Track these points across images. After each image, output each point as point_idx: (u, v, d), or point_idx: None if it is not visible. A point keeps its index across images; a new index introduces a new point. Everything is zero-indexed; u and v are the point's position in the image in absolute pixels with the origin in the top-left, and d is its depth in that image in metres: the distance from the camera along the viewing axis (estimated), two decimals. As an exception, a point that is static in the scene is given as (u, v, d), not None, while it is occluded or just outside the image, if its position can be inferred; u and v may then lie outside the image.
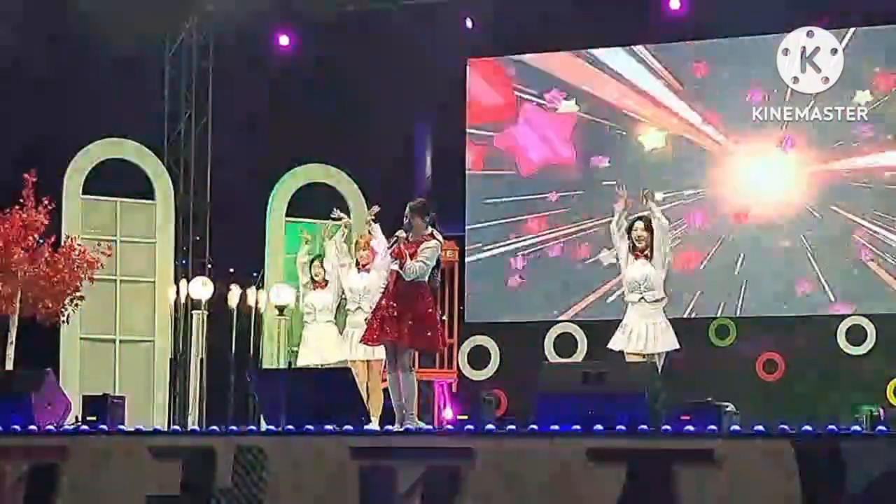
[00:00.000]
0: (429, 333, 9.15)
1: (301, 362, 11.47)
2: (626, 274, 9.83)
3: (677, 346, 9.68)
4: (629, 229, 9.84)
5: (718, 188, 14.50)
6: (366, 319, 9.56)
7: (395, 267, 9.09)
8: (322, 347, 11.24)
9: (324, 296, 11.42)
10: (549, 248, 14.83)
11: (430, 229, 9.25)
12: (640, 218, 9.90)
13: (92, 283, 13.50)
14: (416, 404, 9.24)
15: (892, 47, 14.02)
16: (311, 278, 11.45)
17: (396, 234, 9.16)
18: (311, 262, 11.64)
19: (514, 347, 14.81)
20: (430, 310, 9.25)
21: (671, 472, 6.72)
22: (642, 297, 9.65)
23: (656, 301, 9.67)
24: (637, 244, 9.76)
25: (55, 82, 14.88)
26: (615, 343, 9.77)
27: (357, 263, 10.54)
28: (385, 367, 9.79)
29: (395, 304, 9.10)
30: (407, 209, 9.26)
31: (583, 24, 14.57)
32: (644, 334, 9.59)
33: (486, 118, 15.26)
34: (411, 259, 9.06)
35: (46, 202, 12.98)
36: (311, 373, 9.57)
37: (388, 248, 9.17)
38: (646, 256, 9.71)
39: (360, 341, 9.53)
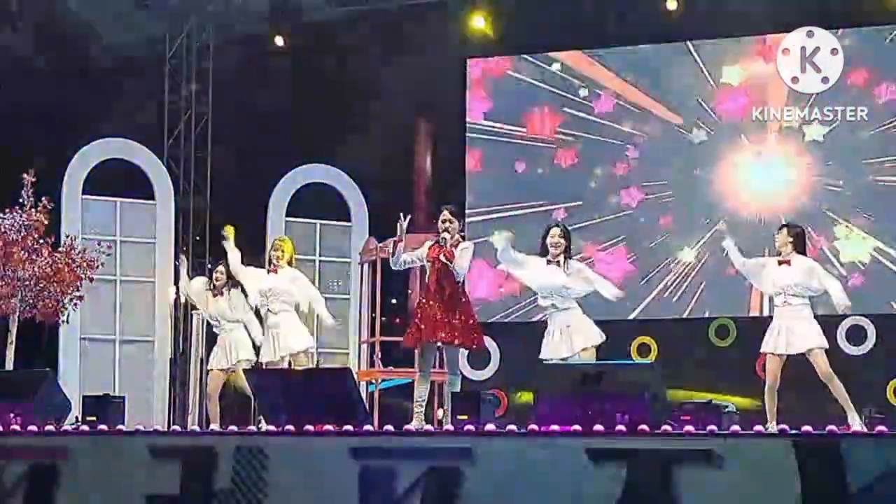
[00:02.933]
0: (476, 333, 9.49)
1: (213, 364, 11.10)
2: (537, 281, 9.45)
3: (600, 340, 9.33)
4: (544, 235, 9.49)
5: (718, 187, 14.50)
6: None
7: (445, 260, 9.31)
8: (234, 350, 10.98)
9: (222, 303, 11.06)
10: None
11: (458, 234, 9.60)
12: (557, 225, 9.65)
13: (92, 283, 13.51)
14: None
15: (892, 47, 14.03)
16: (213, 284, 11.19)
17: (442, 236, 9.41)
18: (218, 265, 11.38)
19: (514, 347, 14.80)
20: (472, 309, 9.59)
21: (671, 472, 6.72)
22: (553, 304, 9.35)
23: (566, 309, 9.36)
24: (553, 250, 9.38)
25: (55, 82, 14.88)
26: (546, 352, 9.38)
27: (270, 263, 10.48)
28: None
29: (442, 306, 9.32)
30: (447, 213, 9.51)
31: (583, 24, 14.58)
32: (561, 337, 9.30)
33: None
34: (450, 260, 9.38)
35: (45, 202, 12.98)
36: (311, 373, 9.55)
37: (430, 248, 9.43)
38: (557, 263, 9.37)
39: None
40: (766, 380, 9.76)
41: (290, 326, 10.40)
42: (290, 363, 10.33)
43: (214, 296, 11.09)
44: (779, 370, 9.77)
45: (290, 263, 10.52)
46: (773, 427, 8.91)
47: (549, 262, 9.44)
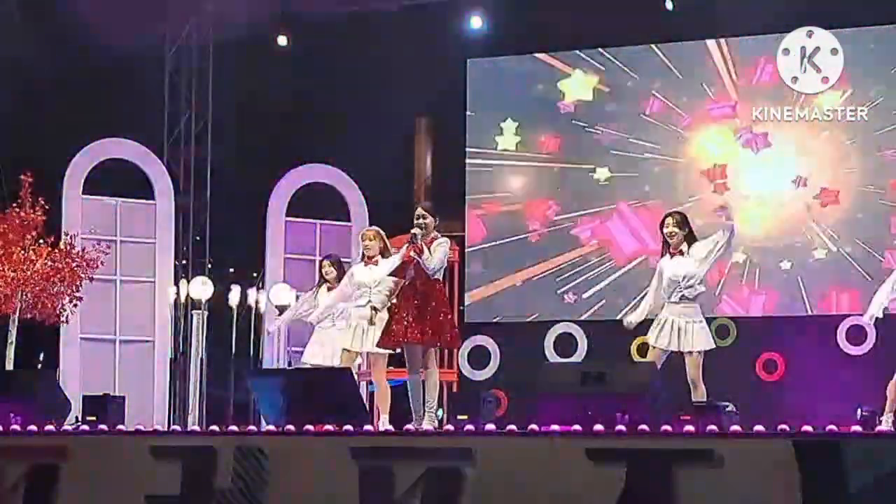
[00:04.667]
0: (449, 331, 9.38)
1: (311, 361, 11.21)
2: (663, 274, 9.46)
3: (712, 346, 9.45)
4: (660, 226, 9.56)
5: (718, 187, 14.49)
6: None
7: (415, 256, 9.27)
8: (333, 349, 11.01)
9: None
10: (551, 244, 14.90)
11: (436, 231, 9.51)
12: (669, 215, 9.64)
13: (92, 283, 13.51)
14: (436, 400, 9.38)
15: (891, 47, 14.02)
16: (323, 278, 11.21)
17: (413, 231, 9.36)
18: (321, 261, 11.44)
19: (514, 347, 14.81)
20: (447, 308, 9.51)
21: (671, 472, 6.72)
22: (682, 296, 9.36)
23: (693, 299, 9.40)
24: (672, 240, 9.45)
25: (55, 82, 14.88)
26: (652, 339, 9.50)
27: (363, 256, 10.46)
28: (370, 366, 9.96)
29: (414, 304, 9.27)
30: (421, 210, 9.50)
31: (582, 24, 14.57)
32: (679, 331, 9.34)
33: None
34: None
35: (42, 202, 12.98)
36: (311, 373, 9.56)
37: (406, 247, 9.36)
38: (680, 252, 9.42)
39: (378, 345, 9.63)
40: None
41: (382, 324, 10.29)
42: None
43: (329, 290, 10.98)
44: None
45: (383, 254, 10.19)
46: (889, 420, 8.86)
47: (672, 255, 9.44)
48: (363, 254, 10.33)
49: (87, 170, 14.95)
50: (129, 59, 14.97)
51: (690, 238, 9.48)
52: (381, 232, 10.40)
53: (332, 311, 10.83)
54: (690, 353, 9.35)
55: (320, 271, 11.25)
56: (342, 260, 11.44)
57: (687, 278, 9.39)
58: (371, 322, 9.60)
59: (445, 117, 15.80)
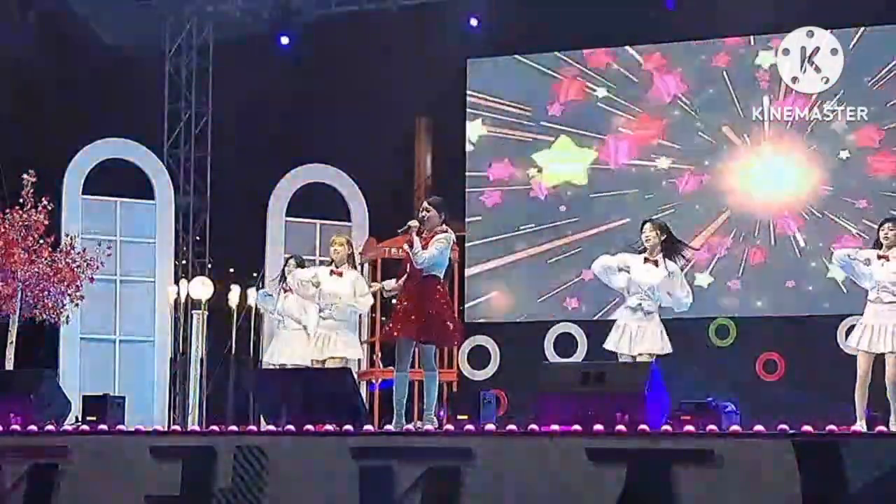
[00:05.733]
0: (441, 328, 9.07)
1: (271, 361, 11.34)
2: (633, 278, 9.42)
3: (668, 351, 9.40)
4: (640, 231, 9.53)
5: (718, 188, 14.49)
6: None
7: (406, 247, 9.11)
8: (291, 350, 11.11)
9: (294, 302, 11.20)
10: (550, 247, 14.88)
11: (443, 226, 9.25)
12: (648, 220, 9.66)
13: (92, 283, 13.51)
14: (434, 403, 9.19)
15: (892, 47, 14.02)
16: (285, 277, 11.21)
17: (409, 223, 9.12)
18: (286, 260, 11.50)
19: (514, 347, 14.81)
20: (444, 304, 9.19)
21: (671, 472, 6.72)
22: (640, 305, 9.36)
23: (651, 312, 9.40)
24: (647, 244, 9.44)
25: (55, 82, 14.90)
26: (609, 343, 9.52)
27: (331, 263, 10.39)
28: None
29: (409, 300, 9.08)
30: (426, 203, 9.29)
31: (581, 24, 14.57)
32: (631, 335, 9.36)
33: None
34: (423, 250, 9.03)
35: (45, 202, 12.99)
36: (311, 373, 9.55)
37: (402, 234, 9.23)
38: (655, 263, 9.40)
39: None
40: (857, 376, 9.52)
41: (347, 332, 10.26)
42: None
43: (285, 290, 11.19)
44: (870, 366, 9.43)
45: (349, 260, 10.25)
46: (862, 425, 8.79)
47: (646, 259, 9.44)
48: (331, 259, 10.30)
49: (87, 170, 14.96)
50: (129, 59, 14.99)
51: (668, 247, 9.47)
52: (352, 241, 10.48)
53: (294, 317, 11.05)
54: (641, 354, 9.29)
55: (283, 269, 11.28)
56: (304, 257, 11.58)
57: (652, 289, 9.37)
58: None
59: (445, 117, 15.79)
